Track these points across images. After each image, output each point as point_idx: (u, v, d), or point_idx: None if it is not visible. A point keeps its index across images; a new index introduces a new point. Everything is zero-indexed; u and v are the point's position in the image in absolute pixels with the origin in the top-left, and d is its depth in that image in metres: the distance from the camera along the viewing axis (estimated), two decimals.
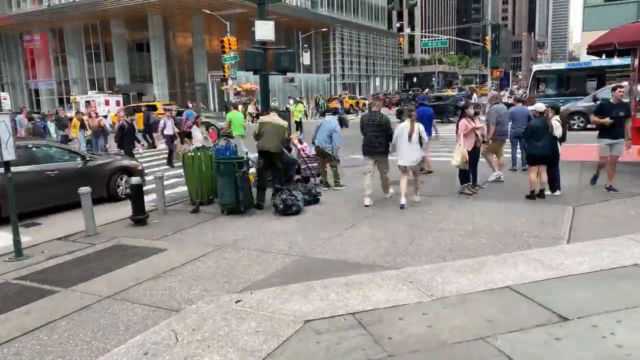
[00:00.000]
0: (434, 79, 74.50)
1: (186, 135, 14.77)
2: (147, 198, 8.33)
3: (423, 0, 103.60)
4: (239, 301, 4.37)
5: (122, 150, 14.32)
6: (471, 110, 8.82)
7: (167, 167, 13.98)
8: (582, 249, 5.43)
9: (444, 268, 5.06)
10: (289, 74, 35.16)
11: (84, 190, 7.40)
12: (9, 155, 6.25)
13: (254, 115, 33.39)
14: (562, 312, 3.86)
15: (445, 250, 5.87)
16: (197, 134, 14.04)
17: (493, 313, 3.94)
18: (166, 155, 14.73)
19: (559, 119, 8.07)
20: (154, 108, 27.09)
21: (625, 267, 4.81)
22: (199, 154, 8.96)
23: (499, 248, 5.83)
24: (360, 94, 64.21)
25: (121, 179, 9.94)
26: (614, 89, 8.79)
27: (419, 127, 7.93)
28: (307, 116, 33.08)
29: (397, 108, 32.14)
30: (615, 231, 6.07)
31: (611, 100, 8.66)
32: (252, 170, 9.19)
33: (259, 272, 5.44)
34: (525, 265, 4.94)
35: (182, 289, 5.05)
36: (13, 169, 6.53)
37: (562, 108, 11.79)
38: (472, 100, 28.04)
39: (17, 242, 6.39)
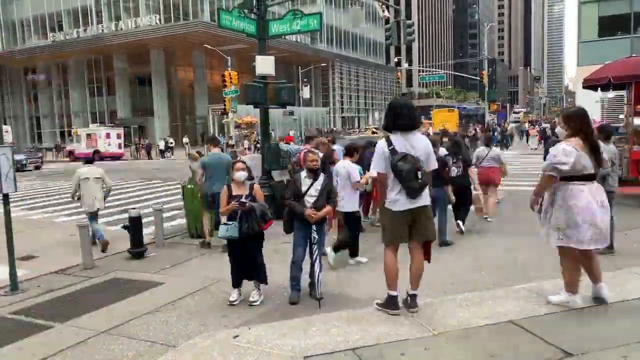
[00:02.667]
0: (431, 112, 75.15)
1: None
2: (145, 230, 8.29)
3: (420, 36, 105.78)
4: (236, 336, 4.29)
5: None
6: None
7: (167, 199, 13.97)
8: (585, 282, 5.37)
9: (445, 301, 4.99)
10: (289, 108, 35.62)
11: (82, 223, 7.38)
12: (9, 187, 6.25)
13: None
14: (566, 347, 3.79)
15: (446, 283, 5.80)
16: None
17: (496, 348, 3.86)
18: None
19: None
20: None
21: (628, 300, 4.75)
22: (198, 186, 8.95)
23: (501, 281, 5.76)
24: (359, 127, 64.75)
25: None
26: None
27: None
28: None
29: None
30: (618, 263, 6.02)
31: None
32: None
33: (257, 306, 5.37)
34: (527, 299, 4.87)
35: (180, 324, 4.97)
36: None
37: None
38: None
39: (13, 275, 6.32)
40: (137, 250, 7.70)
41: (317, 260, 5.36)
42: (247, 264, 5.49)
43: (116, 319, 5.17)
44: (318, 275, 5.34)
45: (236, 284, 5.56)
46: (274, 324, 4.56)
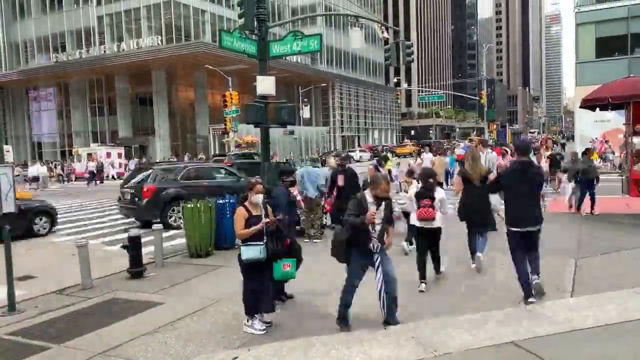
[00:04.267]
0: (431, 131, 75.67)
1: None
2: (145, 250, 8.25)
3: (419, 56, 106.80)
4: (235, 358, 4.24)
5: None
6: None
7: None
8: (586, 302, 5.33)
9: (447, 323, 4.94)
10: (289, 127, 35.75)
11: (81, 242, 7.35)
12: (9, 207, 6.24)
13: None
14: None
15: (448, 304, 5.75)
16: None
17: None
18: None
19: None
20: None
21: (631, 321, 4.70)
22: (198, 205, 8.96)
23: (502, 302, 5.71)
24: (359, 146, 65.00)
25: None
26: None
27: None
28: None
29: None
30: (620, 283, 5.98)
31: None
32: None
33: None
34: (529, 320, 4.83)
35: (178, 345, 4.92)
36: None
37: None
38: None
39: (11, 295, 6.27)
40: (137, 270, 7.66)
41: (382, 284, 5.12)
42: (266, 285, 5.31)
43: (114, 339, 5.12)
44: (385, 298, 5.10)
45: (257, 309, 5.28)
46: (274, 345, 4.51)
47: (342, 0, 66.42)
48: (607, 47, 26.96)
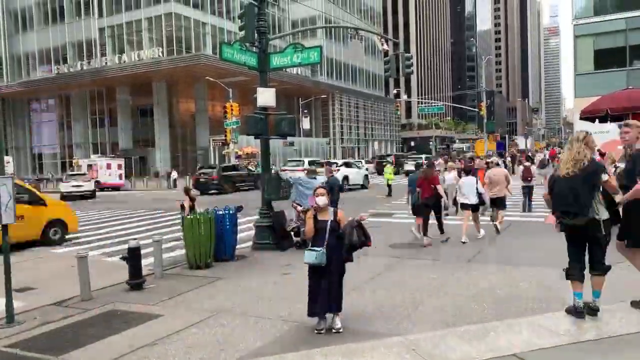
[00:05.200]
0: (431, 143, 75.78)
1: None
2: (145, 261, 8.23)
3: (419, 68, 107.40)
4: None
5: None
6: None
7: (165, 230, 13.93)
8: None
9: (447, 334, 4.92)
10: (289, 138, 35.87)
11: (81, 254, 7.34)
12: (8, 218, 6.24)
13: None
14: None
15: (448, 315, 5.73)
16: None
17: None
18: None
19: None
20: None
21: (634, 333, 4.68)
22: (198, 216, 8.95)
23: (503, 313, 5.69)
24: (356, 158, 65.07)
25: None
26: None
27: None
28: None
29: None
30: (621, 296, 5.95)
31: None
32: None
33: (256, 339, 5.28)
34: (530, 332, 4.81)
35: (177, 357, 4.89)
36: None
37: None
38: None
39: (9, 307, 6.25)
40: (136, 281, 7.63)
41: None
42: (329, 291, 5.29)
43: (113, 352, 5.09)
44: None
45: (311, 310, 5.35)
46: (273, 358, 4.48)
47: (342, 12, 66.95)
48: (606, 59, 27.12)
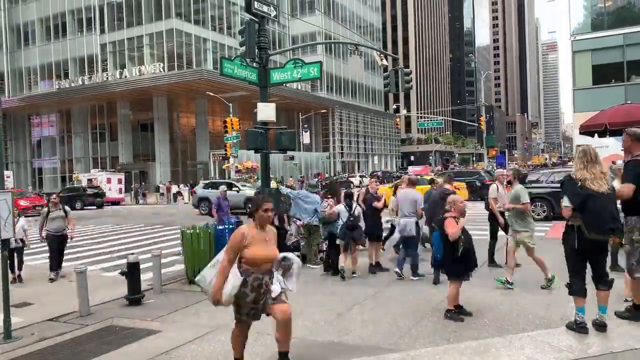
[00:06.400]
0: (431, 157, 75.96)
1: None
2: (144, 276, 8.18)
3: (418, 83, 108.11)
4: None
5: None
6: None
7: (164, 244, 13.87)
8: (590, 329, 5.26)
9: (448, 351, 4.87)
10: (289, 153, 35.96)
11: (79, 269, 7.30)
12: (7, 233, 6.22)
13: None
14: None
15: (449, 331, 5.68)
16: None
17: None
18: None
19: None
20: None
21: (637, 349, 4.63)
22: (197, 231, 8.92)
23: (505, 329, 5.64)
24: (358, 172, 65.19)
25: None
26: None
27: None
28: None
29: None
30: (620, 307, 5.90)
31: None
32: None
33: (254, 355, 5.23)
34: (532, 348, 4.76)
35: None
36: None
37: None
38: None
39: (7, 323, 6.20)
40: (135, 296, 7.58)
41: None
42: None
43: None
44: None
45: None
46: None
47: (342, 28, 67.55)
48: (604, 74, 27.29)
